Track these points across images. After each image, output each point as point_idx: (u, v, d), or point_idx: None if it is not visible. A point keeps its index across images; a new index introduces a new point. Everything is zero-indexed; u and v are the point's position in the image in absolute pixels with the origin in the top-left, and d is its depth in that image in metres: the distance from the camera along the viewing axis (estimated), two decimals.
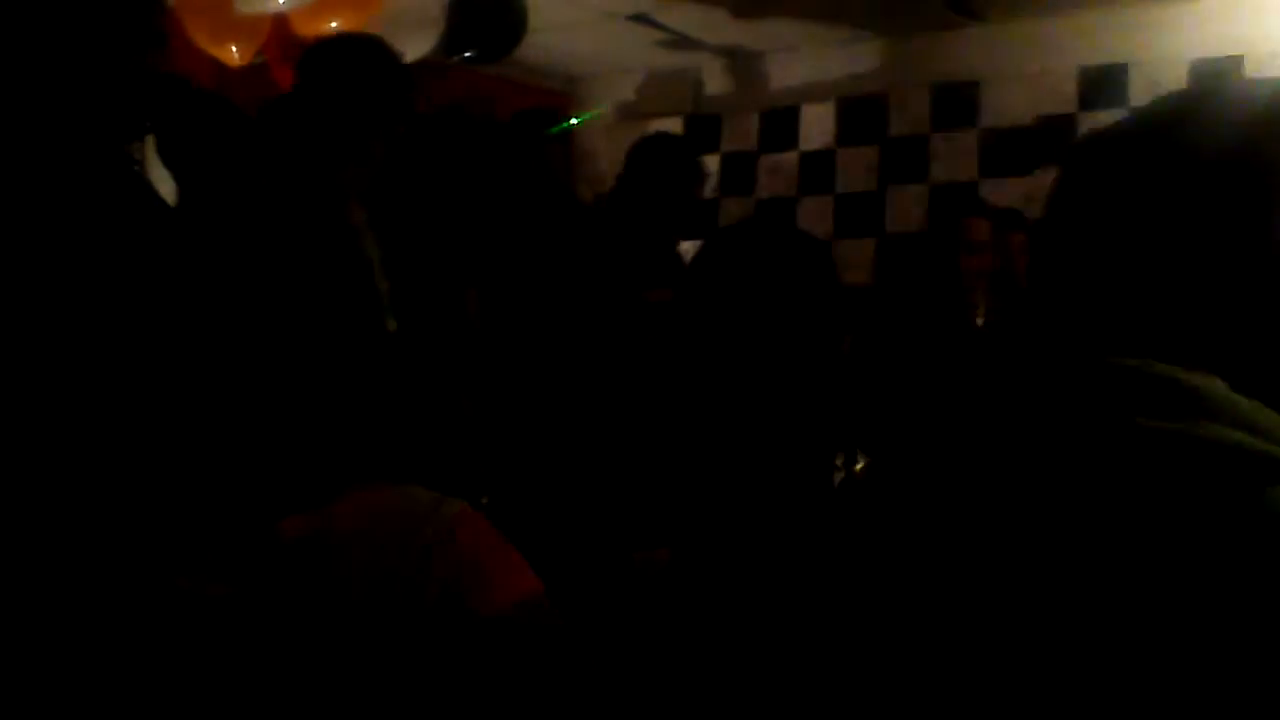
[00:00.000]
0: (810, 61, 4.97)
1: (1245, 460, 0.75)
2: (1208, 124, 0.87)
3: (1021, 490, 0.85)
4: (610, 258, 2.77)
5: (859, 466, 1.26)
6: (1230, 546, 0.76)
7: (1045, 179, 0.96)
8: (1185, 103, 0.91)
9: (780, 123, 5.06)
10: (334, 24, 3.31)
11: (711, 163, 5.22)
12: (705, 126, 5.22)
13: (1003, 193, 4.12)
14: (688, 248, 2.68)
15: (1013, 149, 4.39)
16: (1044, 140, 4.30)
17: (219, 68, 3.29)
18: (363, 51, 2.35)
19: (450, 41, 3.70)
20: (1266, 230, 0.83)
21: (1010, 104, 4.43)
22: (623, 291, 2.65)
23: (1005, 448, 0.88)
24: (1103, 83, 4.24)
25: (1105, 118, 4.58)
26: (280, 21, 3.33)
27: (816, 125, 4.97)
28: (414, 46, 3.62)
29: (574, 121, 5.10)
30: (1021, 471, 0.85)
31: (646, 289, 2.65)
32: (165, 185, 2.24)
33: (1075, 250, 0.90)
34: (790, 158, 5.04)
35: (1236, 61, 4.03)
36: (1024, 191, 4.04)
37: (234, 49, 3.20)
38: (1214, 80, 0.99)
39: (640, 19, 4.56)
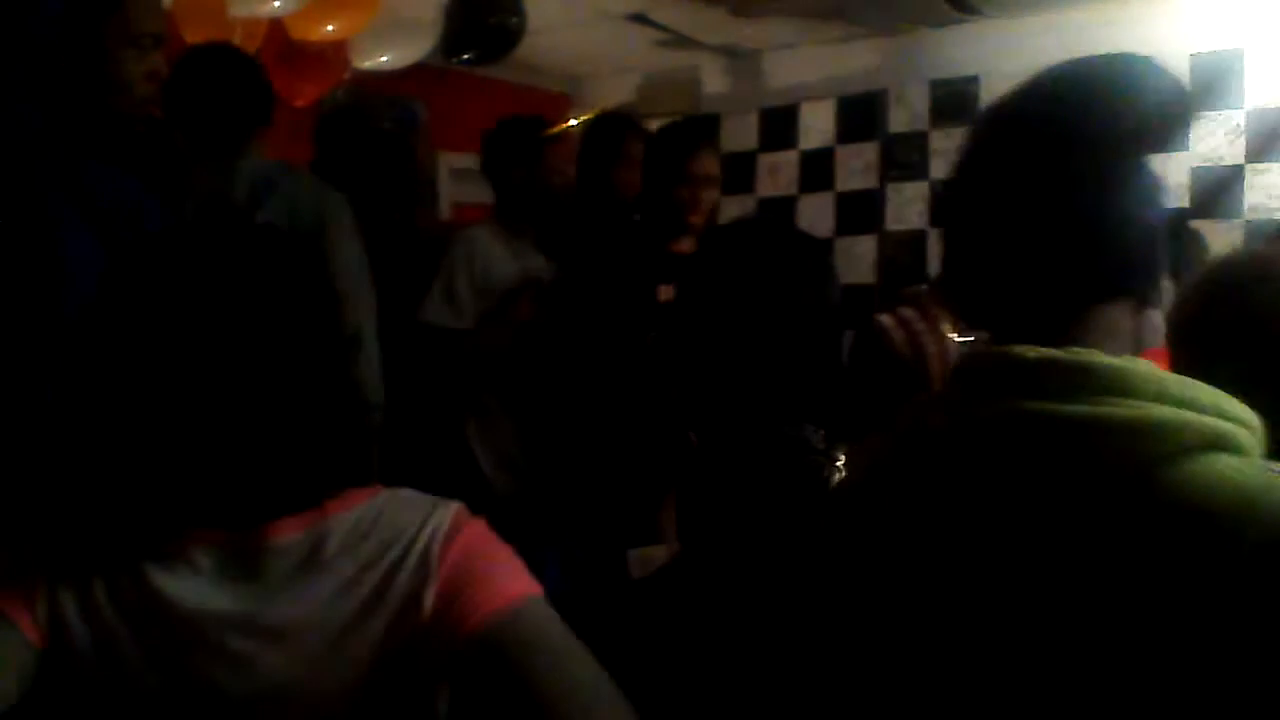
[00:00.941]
0: (809, 60, 4.96)
1: (1151, 432, 0.79)
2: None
3: (946, 482, 0.89)
4: (621, 257, 2.76)
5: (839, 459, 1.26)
6: (1117, 533, 0.78)
7: None
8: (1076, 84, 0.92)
9: (780, 121, 5.05)
10: (330, 27, 3.30)
11: None
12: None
13: None
14: None
15: None
16: None
17: None
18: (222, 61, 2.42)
19: (449, 43, 3.69)
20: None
21: None
22: (632, 291, 2.64)
23: (925, 450, 0.92)
24: None
25: None
26: (276, 25, 3.32)
27: (816, 123, 4.96)
28: (413, 48, 3.62)
29: (573, 123, 5.10)
30: (943, 464, 0.91)
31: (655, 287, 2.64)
32: None
33: (983, 231, 0.92)
34: (790, 156, 5.03)
35: (1236, 56, 4.02)
36: None
37: None
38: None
39: (639, 19, 4.55)
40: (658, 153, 2.80)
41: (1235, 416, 0.82)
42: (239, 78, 2.40)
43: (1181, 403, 0.81)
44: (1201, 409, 0.81)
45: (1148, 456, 0.79)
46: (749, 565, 1.19)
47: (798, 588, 1.05)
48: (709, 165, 2.76)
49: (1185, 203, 4.08)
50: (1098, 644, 0.79)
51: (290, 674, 0.96)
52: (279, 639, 0.97)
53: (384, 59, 3.59)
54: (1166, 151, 0.89)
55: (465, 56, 3.84)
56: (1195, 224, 3.99)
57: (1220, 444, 0.80)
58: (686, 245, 2.76)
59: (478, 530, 1.03)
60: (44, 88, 1.53)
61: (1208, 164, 4.06)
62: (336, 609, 0.97)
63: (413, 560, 0.98)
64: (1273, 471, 0.80)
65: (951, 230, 0.95)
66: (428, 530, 1.00)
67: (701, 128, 2.94)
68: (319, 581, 0.98)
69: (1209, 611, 0.74)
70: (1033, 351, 0.85)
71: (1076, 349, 0.84)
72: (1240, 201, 4.01)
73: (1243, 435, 0.82)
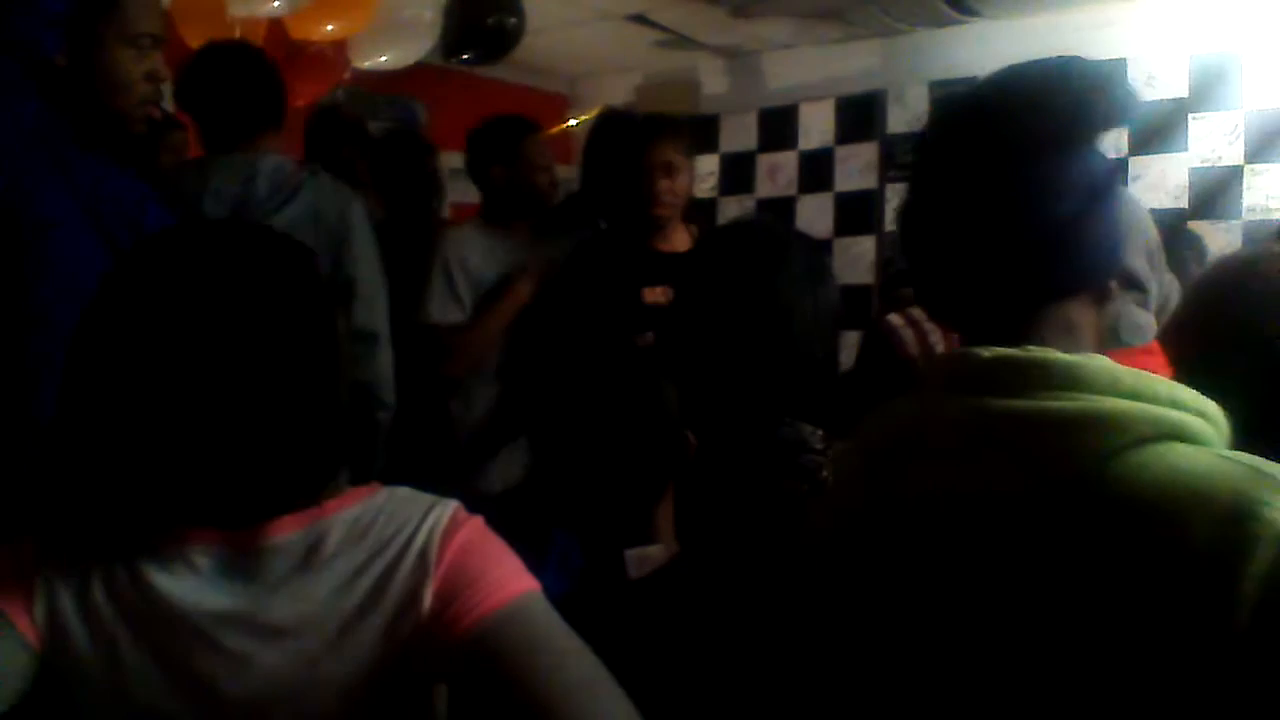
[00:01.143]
0: (808, 60, 4.97)
1: (1102, 424, 0.80)
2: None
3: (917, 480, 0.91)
4: (606, 259, 2.74)
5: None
6: (1070, 526, 0.80)
7: None
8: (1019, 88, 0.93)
9: (779, 121, 5.06)
10: (330, 27, 3.31)
11: (710, 163, 5.22)
12: (703, 126, 5.22)
13: None
14: None
15: None
16: None
17: None
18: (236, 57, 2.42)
19: (448, 43, 3.69)
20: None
21: None
22: (619, 295, 2.62)
23: (900, 449, 0.94)
24: None
25: None
26: (276, 25, 3.32)
27: (815, 123, 4.97)
28: (412, 48, 3.62)
29: (573, 123, 5.10)
30: (914, 462, 0.92)
31: (641, 290, 2.63)
32: None
33: (940, 231, 0.94)
34: (789, 156, 5.03)
35: (1235, 57, 4.03)
36: None
37: None
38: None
39: (639, 19, 4.56)
40: (613, 146, 2.77)
41: (1191, 406, 0.83)
42: (256, 76, 2.39)
43: (1135, 395, 0.82)
44: (1155, 400, 0.82)
45: (1099, 449, 0.80)
46: (747, 566, 1.19)
47: (791, 588, 1.05)
48: (665, 155, 2.69)
49: (1184, 203, 4.09)
50: (1053, 641, 0.80)
51: (289, 673, 0.96)
52: (277, 638, 0.97)
53: (384, 59, 3.60)
54: (1108, 152, 0.90)
55: (465, 57, 3.84)
56: (1194, 224, 4.00)
57: (1175, 434, 0.81)
58: (671, 242, 2.71)
59: (476, 528, 1.03)
60: (43, 87, 1.53)
61: (1206, 164, 4.07)
62: (335, 608, 0.97)
63: (411, 558, 0.99)
64: (1227, 459, 0.80)
65: (910, 236, 0.97)
66: (426, 528, 1.01)
67: (661, 121, 2.86)
68: (317, 580, 0.98)
69: (1158, 604, 0.75)
70: (988, 351, 0.87)
71: (1031, 347, 0.86)
72: (1239, 202, 4.02)
73: (1199, 425, 0.82)
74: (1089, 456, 0.80)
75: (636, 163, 2.66)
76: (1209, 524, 0.75)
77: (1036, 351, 0.85)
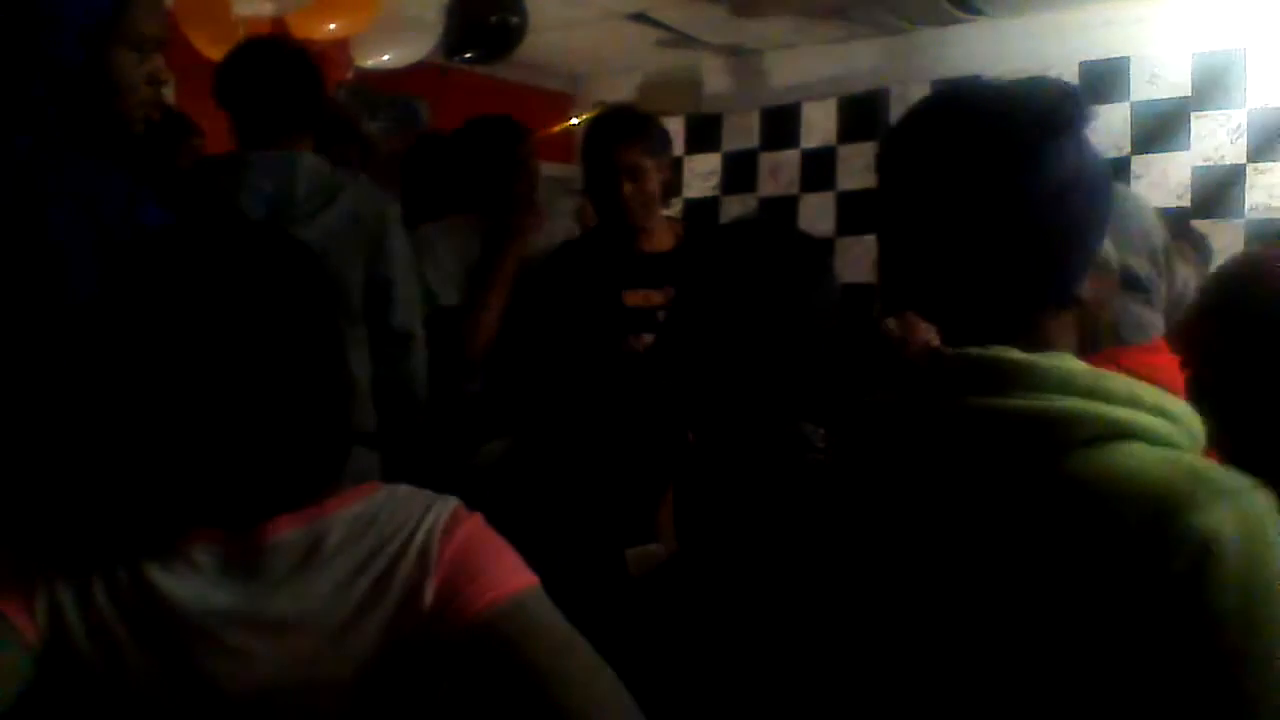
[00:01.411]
0: (810, 59, 4.96)
1: (1054, 422, 0.81)
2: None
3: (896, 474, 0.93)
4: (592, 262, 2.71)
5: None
6: (1026, 515, 0.81)
7: None
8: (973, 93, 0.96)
9: (781, 120, 5.05)
10: (332, 26, 3.31)
11: (712, 161, 5.22)
12: (706, 125, 5.22)
13: None
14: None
15: None
16: None
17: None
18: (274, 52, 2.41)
19: (451, 41, 3.70)
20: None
21: None
22: (598, 298, 2.59)
23: (881, 441, 0.95)
24: (1104, 77, 4.23)
25: (1107, 112, 4.56)
26: (278, 24, 3.33)
27: (817, 122, 4.96)
28: (415, 47, 3.63)
29: (575, 121, 5.10)
30: (894, 458, 0.94)
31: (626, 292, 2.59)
32: None
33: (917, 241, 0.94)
34: (791, 155, 5.03)
35: (1238, 55, 4.02)
36: None
37: None
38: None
39: (640, 18, 4.56)
40: (584, 148, 2.71)
41: (1150, 405, 0.83)
42: (298, 72, 2.37)
43: (1090, 394, 0.82)
44: (1110, 399, 0.82)
45: (1052, 446, 0.81)
46: (747, 564, 1.20)
47: (788, 584, 1.06)
48: (627, 159, 2.56)
49: (1186, 202, 4.08)
50: (1009, 630, 0.82)
51: (291, 669, 0.97)
52: (279, 635, 0.97)
53: (386, 58, 3.60)
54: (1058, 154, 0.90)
55: (467, 55, 3.85)
56: (1196, 224, 4.00)
57: (1131, 433, 0.82)
58: (655, 242, 2.62)
59: (476, 525, 1.04)
60: (53, 90, 1.54)
61: (1209, 163, 4.07)
62: (337, 604, 0.98)
63: (412, 554, 0.99)
64: (1172, 461, 0.80)
65: (883, 240, 0.98)
66: (426, 524, 1.01)
67: (619, 123, 2.75)
68: (319, 578, 0.99)
69: (1089, 600, 0.76)
70: (952, 351, 0.89)
71: (994, 347, 0.87)
72: (1241, 201, 4.01)
73: (1158, 424, 0.83)
74: (1041, 453, 0.81)
75: (602, 167, 2.61)
76: (1138, 524, 0.76)
77: (995, 352, 0.87)
